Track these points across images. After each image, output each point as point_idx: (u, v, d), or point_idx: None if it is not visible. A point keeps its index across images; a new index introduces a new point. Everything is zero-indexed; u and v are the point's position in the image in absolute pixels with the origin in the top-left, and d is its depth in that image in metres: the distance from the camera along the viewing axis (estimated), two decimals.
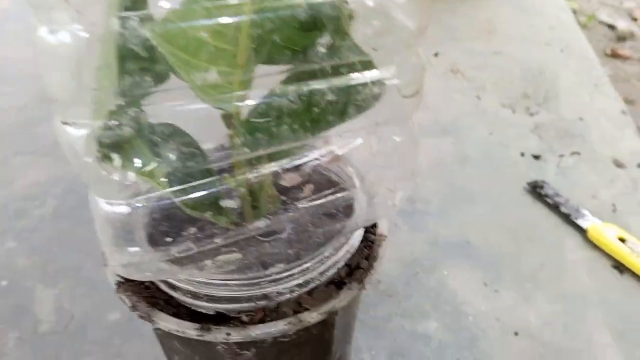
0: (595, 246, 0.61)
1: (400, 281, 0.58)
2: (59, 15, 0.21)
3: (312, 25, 0.24)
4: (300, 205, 0.30)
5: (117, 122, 0.24)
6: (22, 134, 0.80)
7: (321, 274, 0.33)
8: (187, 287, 0.32)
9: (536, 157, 0.73)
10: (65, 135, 0.24)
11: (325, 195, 0.31)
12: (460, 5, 1.13)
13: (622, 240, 0.59)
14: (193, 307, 0.34)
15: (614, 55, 1.84)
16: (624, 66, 1.79)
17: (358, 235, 0.36)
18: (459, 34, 1.03)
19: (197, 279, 0.31)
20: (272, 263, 0.31)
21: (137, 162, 0.26)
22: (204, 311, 0.33)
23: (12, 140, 0.79)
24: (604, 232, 0.60)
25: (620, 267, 0.58)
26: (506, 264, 0.59)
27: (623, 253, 0.58)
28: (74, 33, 0.21)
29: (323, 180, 0.34)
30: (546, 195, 0.66)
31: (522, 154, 0.74)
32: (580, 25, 2.09)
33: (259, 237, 0.31)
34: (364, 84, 0.27)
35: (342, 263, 0.34)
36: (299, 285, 0.32)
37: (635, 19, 2.04)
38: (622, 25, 2.02)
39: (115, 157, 0.24)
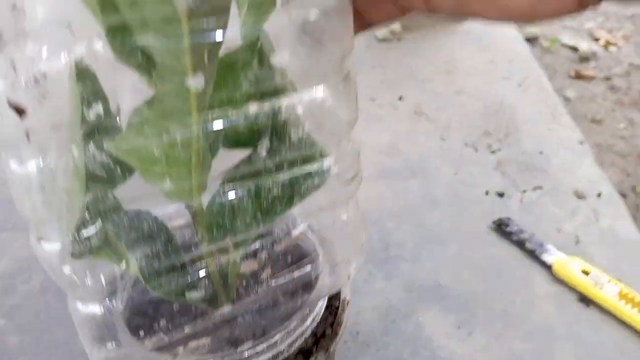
0: (561, 280, 0.63)
1: (378, 330, 0.60)
2: (25, 150, 0.24)
3: (253, 133, 0.27)
4: (262, 289, 0.33)
5: (85, 236, 0.26)
6: (2, 207, 0.82)
7: (289, 345, 0.35)
8: None
9: (500, 195, 0.76)
10: (40, 250, 0.27)
11: (288, 273, 0.34)
12: (420, 46, 1.17)
13: (586, 272, 0.62)
14: None
15: (579, 76, 1.90)
16: (589, 86, 1.85)
17: (322, 302, 0.38)
18: (421, 75, 1.06)
19: None
20: (242, 341, 0.33)
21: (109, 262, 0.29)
22: None
23: None
24: (568, 266, 0.63)
25: (585, 299, 0.61)
26: (477, 304, 0.62)
27: (587, 286, 0.61)
28: (39, 164, 0.24)
29: (286, 255, 0.37)
30: (511, 233, 0.69)
31: (487, 192, 0.77)
32: (544, 49, 2.15)
33: (227, 319, 0.33)
34: (306, 175, 0.29)
35: (309, 332, 0.36)
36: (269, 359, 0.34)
37: (596, 39, 2.10)
38: (584, 46, 2.08)
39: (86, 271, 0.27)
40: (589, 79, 1.94)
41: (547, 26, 2.08)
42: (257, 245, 0.31)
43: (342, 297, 0.39)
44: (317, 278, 0.35)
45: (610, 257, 0.66)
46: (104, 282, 0.28)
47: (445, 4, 0.31)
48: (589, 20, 2.18)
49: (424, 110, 0.96)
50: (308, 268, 0.35)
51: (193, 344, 0.32)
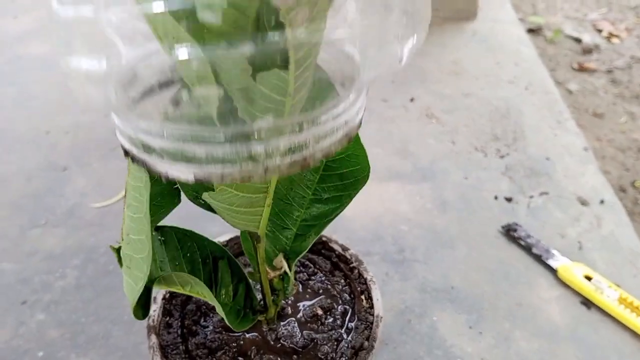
0: (565, 284, 0.68)
1: (395, 329, 0.65)
2: None
3: None
4: None
5: None
6: (33, 204, 0.86)
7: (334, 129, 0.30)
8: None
9: (508, 200, 0.81)
10: None
11: None
12: (429, 43, 1.21)
13: (588, 278, 0.67)
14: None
15: (581, 68, 1.93)
16: (591, 79, 1.88)
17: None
18: (430, 76, 1.10)
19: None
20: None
21: None
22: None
23: (25, 211, 0.85)
24: (572, 271, 0.68)
25: (587, 303, 0.66)
26: (487, 306, 0.67)
27: (589, 290, 0.66)
28: None
29: None
30: (519, 238, 0.73)
31: (496, 197, 0.81)
32: (547, 40, 2.18)
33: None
34: None
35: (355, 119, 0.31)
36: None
37: (599, 31, 2.14)
38: (587, 38, 2.11)
39: None
40: (592, 71, 1.97)
41: (551, 15, 2.11)
42: None
43: (376, 313, 0.44)
44: (364, 53, 0.30)
45: (611, 263, 0.71)
46: None
47: None
48: (592, 11, 2.21)
49: (434, 112, 1.00)
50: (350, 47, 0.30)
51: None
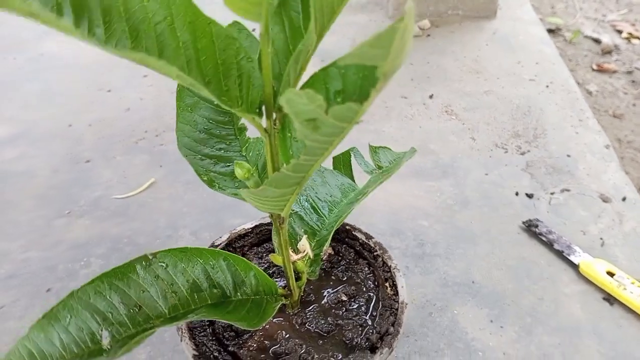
0: (587, 280, 0.68)
1: (416, 322, 0.65)
2: None
3: None
4: None
5: None
6: (58, 196, 0.88)
7: None
8: None
9: (529, 196, 0.81)
10: None
11: None
12: (448, 43, 1.21)
13: (611, 274, 0.67)
14: None
15: (601, 69, 1.92)
16: (610, 80, 1.87)
17: None
18: (450, 74, 1.10)
19: None
20: None
21: None
22: None
23: (50, 203, 0.86)
24: (594, 267, 0.68)
25: (610, 299, 0.66)
26: (508, 300, 0.67)
27: (611, 286, 0.65)
28: None
29: None
30: (540, 234, 0.73)
31: (517, 193, 0.81)
32: (566, 41, 2.18)
33: None
34: None
35: None
36: None
37: (619, 32, 2.12)
38: (606, 39, 2.10)
39: None
40: (611, 72, 1.96)
41: (570, 17, 2.10)
42: None
43: (400, 299, 0.44)
44: None
45: (633, 260, 0.71)
46: None
47: None
48: (612, 12, 2.20)
49: (454, 109, 1.00)
50: None
51: None
